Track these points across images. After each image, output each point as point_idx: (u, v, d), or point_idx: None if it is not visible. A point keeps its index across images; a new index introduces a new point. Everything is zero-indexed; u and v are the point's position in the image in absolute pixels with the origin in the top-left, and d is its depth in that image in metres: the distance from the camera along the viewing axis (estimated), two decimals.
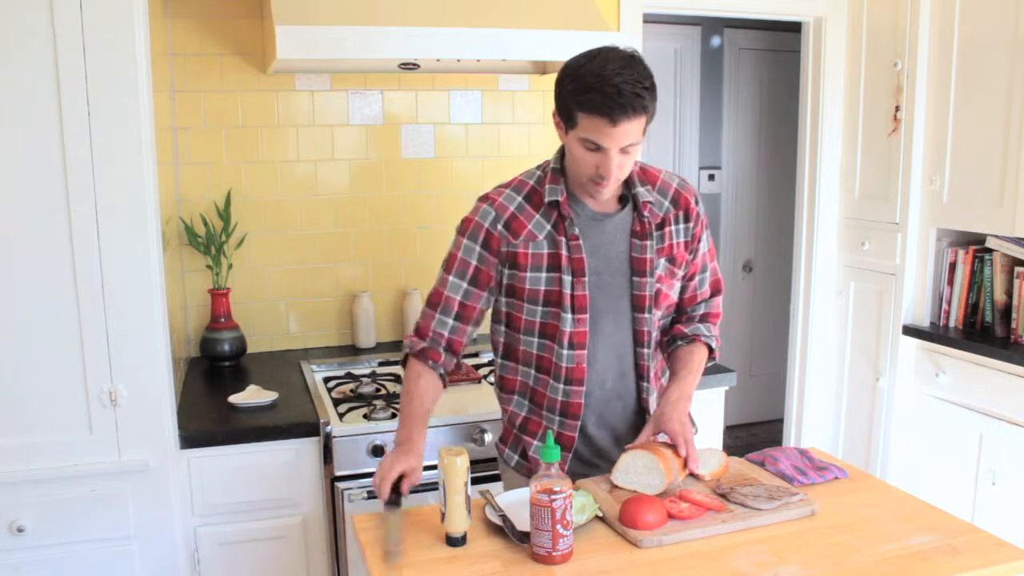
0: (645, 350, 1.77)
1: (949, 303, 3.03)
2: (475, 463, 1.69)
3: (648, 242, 1.73)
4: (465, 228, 1.75)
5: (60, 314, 1.89)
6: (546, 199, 1.70)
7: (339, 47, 2.18)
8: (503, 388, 1.86)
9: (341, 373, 2.63)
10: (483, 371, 2.65)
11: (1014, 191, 2.70)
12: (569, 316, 1.70)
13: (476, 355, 2.83)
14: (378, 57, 2.25)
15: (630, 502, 1.55)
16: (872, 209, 3.25)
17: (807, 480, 1.74)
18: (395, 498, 1.59)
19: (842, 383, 3.46)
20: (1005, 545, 1.50)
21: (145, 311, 1.94)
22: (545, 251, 1.70)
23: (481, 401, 2.39)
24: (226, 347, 2.68)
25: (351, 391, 2.45)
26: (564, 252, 1.69)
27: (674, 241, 1.77)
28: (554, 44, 2.35)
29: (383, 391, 2.47)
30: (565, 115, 1.60)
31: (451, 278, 1.75)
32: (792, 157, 3.59)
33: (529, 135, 3.02)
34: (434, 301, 1.77)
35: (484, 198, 1.76)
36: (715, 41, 4.44)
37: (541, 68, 2.94)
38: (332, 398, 2.38)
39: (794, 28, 3.47)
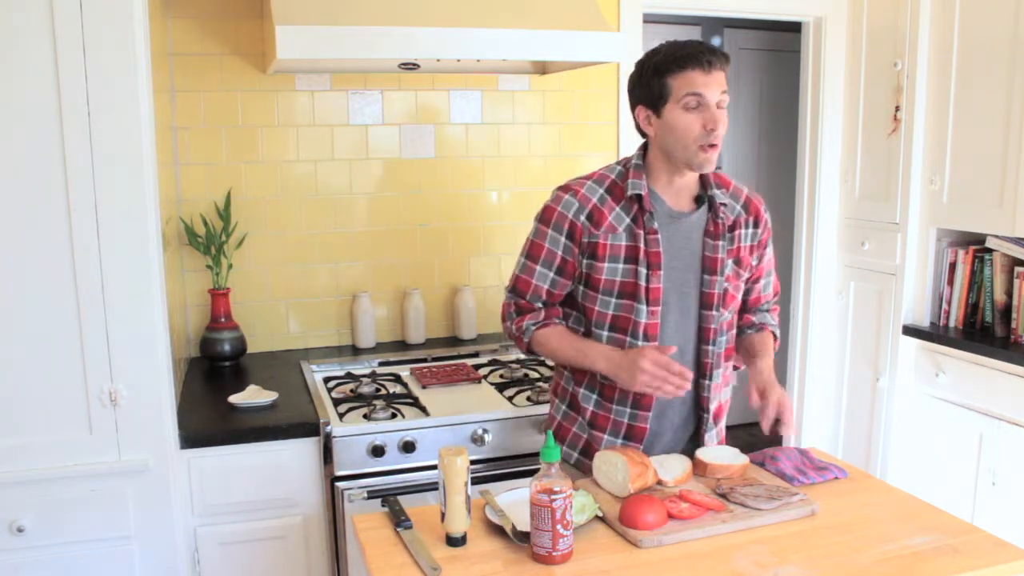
0: (710, 347, 1.81)
1: (949, 303, 3.03)
2: (475, 463, 1.69)
3: (720, 242, 1.78)
4: (548, 217, 1.79)
5: (60, 314, 1.89)
6: (628, 192, 1.75)
7: (339, 47, 2.18)
8: (575, 381, 1.88)
9: (341, 373, 2.63)
10: (483, 371, 2.65)
11: (1014, 191, 2.70)
12: (644, 307, 1.74)
13: (476, 355, 2.83)
14: (378, 57, 2.25)
15: (630, 502, 1.55)
16: (872, 209, 3.25)
17: (807, 480, 1.74)
18: (405, 520, 1.58)
19: (842, 383, 3.46)
20: (1005, 545, 1.50)
21: (145, 311, 1.94)
22: (623, 243, 1.75)
23: (481, 401, 2.39)
24: (226, 347, 2.68)
25: (351, 391, 2.45)
26: (642, 245, 1.74)
27: (742, 244, 1.83)
28: (554, 44, 2.35)
29: (383, 391, 2.47)
30: (655, 94, 1.68)
31: (539, 267, 1.80)
32: (792, 157, 3.59)
33: (529, 135, 3.02)
34: (521, 289, 1.83)
35: (565, 188, 1.80)
36: (715, 41, 4.44)
37: (541, 68, 2.94)
38: (332, 398, 2.38)
39: (794, 28, 3.47)
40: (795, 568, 1.42)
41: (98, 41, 1.81)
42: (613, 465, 1.65)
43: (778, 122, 4.55)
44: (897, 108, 3.08)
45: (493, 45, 2.31)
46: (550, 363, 2.63)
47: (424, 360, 2.77)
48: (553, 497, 1.40)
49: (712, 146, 1.68)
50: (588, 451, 1.86)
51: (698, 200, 1.81)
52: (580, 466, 1.87)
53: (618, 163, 1.83)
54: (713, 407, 1.88)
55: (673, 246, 1.76)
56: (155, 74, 2.07)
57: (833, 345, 3.48)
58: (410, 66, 2.71)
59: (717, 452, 1.79)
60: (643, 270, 1.74)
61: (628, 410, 1.81)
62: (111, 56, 1.83)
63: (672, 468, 1.72)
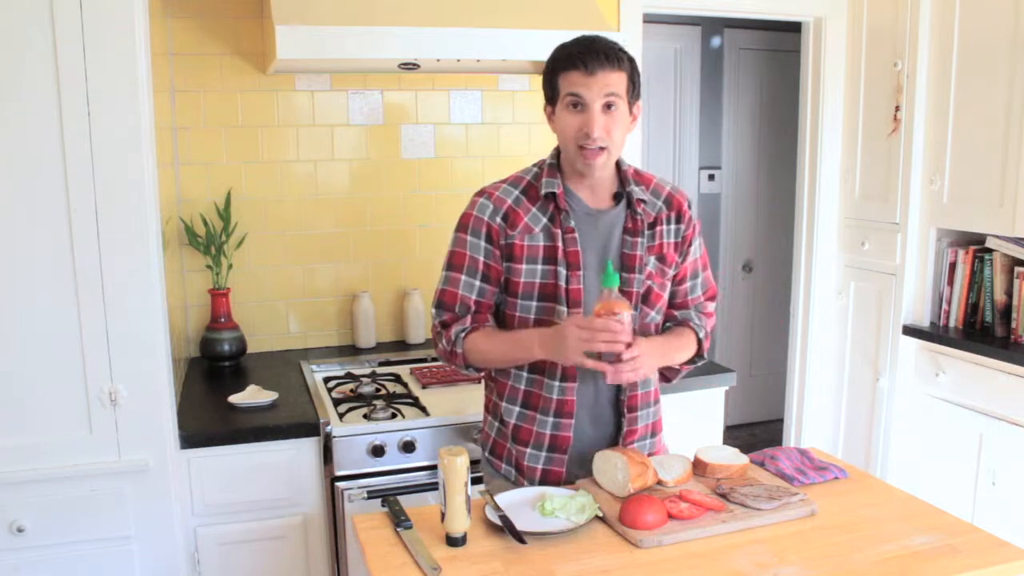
0: None
1: (949, 303, 3.03)
2: (475, 463, 1.69)
3: (639, 239, 1.75)
4: (465, 223, 1.75)
5: (60, 314, 1.89)
6: (542, 191, 1.72)
7: (339, 47, 2.18)
8: (498, 393, 1.83)
9: (341, 373, 2.63)
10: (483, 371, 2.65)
11: (1014, 191, 2.70)
12: (565, 310, 1.70)
13: None
14: (378, 57, 2.25)
15: (630, 502, 1.55)
16: (872, 209, 3.25)
17: (807, 480, 1.74)
18: (405, 520, 1.58)
19: (842, 383, 3.46)
20: (1005, 545, 1.50)
21: (145, 311, 1.94)
22: (541, 243, 1.71)
23: (481, 401, 2.38)
24: (226, 347, 2.68)
25: (351, 391, 2.45)
26: (560, 245, 1.70)
27: (664, 241, 1.79)
28: (554, 44, 2.34)
29: (383, 391, 2.47)
30: (548, 92, 1.70)
31: (463, 277, 1.74)
32: (792, 157, 3.59)
33: (529, 135, 3.02)
34: (447, 303, 1.76)
35: (480, 192, 1.78)
36: (715, 41, 4.44)
37: (541, 68, 2.93)
38: (332, 398, 2.38)
39: (794, 28, 3.47)
40: (795, 568, 1.42)
41: (98, 41, 1.81)
42: (613, 465, 1.65)
43: (778, 122, 4.56)
44: (897, 108, 3.08)
45: (493, 45, 2.31)
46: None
47: (424, 360, 2.77)
48: (617, 316, 1.56)
49: (598, 149, 1.64)
50: (519, 467, 1.79)
51: (617, 197, 1.77)
52: (519, 484, 1.80)
53: (534, 165, 1.80)
54: (641, 423, 1.82)
55: (592, 245, 1.72)
56: (155, 74, 2.07)
57: (833, 345, 3.48)
58: (410, 66, 2.70)
59: (717, 452, 1.79)
60: (562, 271, 1.70)
61: (551, 419, 1.75)
62: (111, 56, 1.83)
63: (672, 468, 1.72)
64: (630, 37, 3.01)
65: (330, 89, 2.79)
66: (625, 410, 1.79)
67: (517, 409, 1.79)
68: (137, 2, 1.85)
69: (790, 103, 3.91)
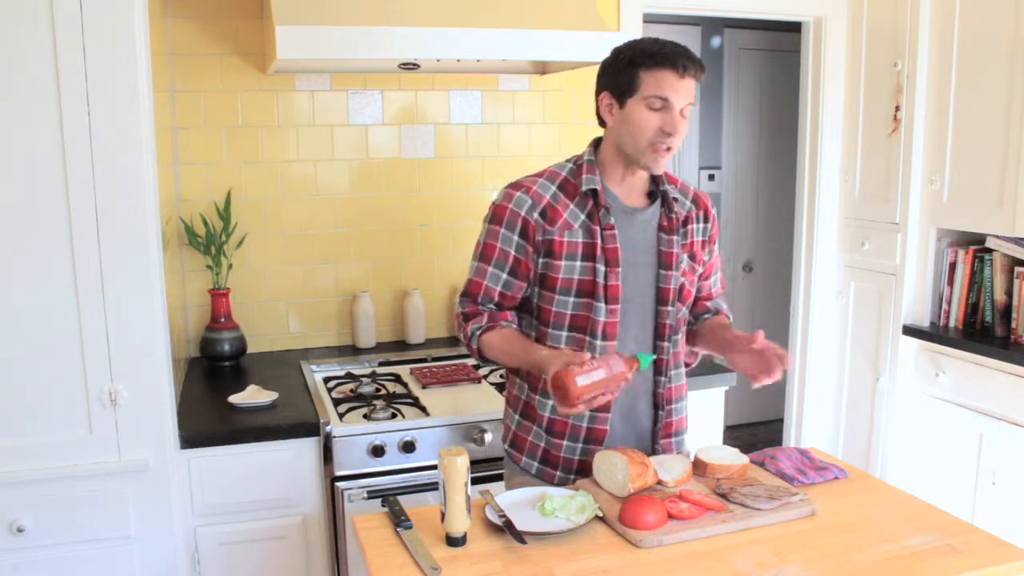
0: (666, 344, 1.79)
1: (949, 303, 3.03)
2: (475, 463, 1.70)
3: (675, 237, 1.78)
4: (500, 216, 1.74)
5: (60, 314, 1.89)
6: (582, 188, 1.73)
7: (339, 47, 2.18)
8: (530, 386, 1.83)
9: (341, 373, 2.63)
10: (483, 371, 2.65)
11: (1014, 191, 2.70)
12: (603, 306, 1.72)
13: None
14: (378, 57, 2.25)
15: (630, 502, 1.55)
16: (872, 209, 3.25)
17: (807, 480, 1.74)
18: (405, 520, 1.58)
19: (842, 383, 3.46)
20: (1005, 545, 1.50)
21: (145, 311, 1.94)
22: (580, 240, 1.72)
23: (481, 401, 2.39)
24: (226, 347, 2.68)
25: (351, 391, 2.45)
26: (599, 241, 1.72)
27: (695, 239, 1.83)
28: (554, 44, 2.35)
29: (383, 391, 2.47)
30: (623, 85, 1.66)
31: (491, 268, 1.75)
32: (792, 157, 3.59)
33: (529, 135, 3.02)
34: (472, 292, 1.78)
35: (516, 186, 1.76)
36: (715, 41, 4.44)
37: (541, 68, 2.94)
38: (332, 398, 2.38)
39: (794, 28, 3.47)
40: (795, 568, 1.42)
41: (98, 41, 1.81)
42: (613, 465, 1.65)
43: (778, 122, 4.56)
44: (897, 108, 3.08)
45: (493, 45, 2.31)
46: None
47: (424, 360, 2.77)
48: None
49: (667, 149, 1.66)
50: (548, 459, 1.80)
51: (650, 196, 1.79)
52: (542, 476, 1.81)
53: (568, 160, 1.80)
54: (676, 416, 1.85)
55: (629, 242, 1.74)
56: (155, 74, 2.07)
57: (833, 345, 3.48)
58: (410, 66, 2.71)
59: (717, 452, 1.79)
60: (601, 267, 1.71)
61: (587, 412, 1.75)
62: (111, 56, 1.83)
63: (672, 468, 1.72)
64: (630, 37, 2.99)
65: (330, 89, 2.79)
66: (663, 403, 1.82)
67: (550, 402, 1.78)
68: (137, 2, 1.85)
69: (790, 103, 3.91)
